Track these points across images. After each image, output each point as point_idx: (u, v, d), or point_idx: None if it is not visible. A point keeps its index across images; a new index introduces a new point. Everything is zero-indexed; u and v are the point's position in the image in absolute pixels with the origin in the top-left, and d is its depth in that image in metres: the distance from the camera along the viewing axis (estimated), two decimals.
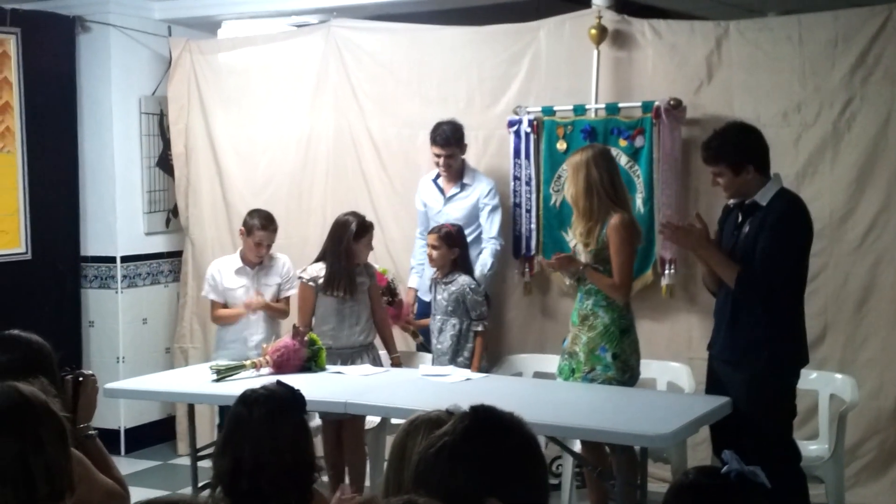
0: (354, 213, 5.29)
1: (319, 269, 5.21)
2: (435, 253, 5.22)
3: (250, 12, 6.76)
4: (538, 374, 5.22)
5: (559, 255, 4.69)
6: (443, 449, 1.95)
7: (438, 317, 5.26)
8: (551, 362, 4.99)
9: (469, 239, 5.60)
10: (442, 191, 5.75)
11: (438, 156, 5.62)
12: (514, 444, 1.97)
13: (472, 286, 5.22)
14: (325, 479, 5.07)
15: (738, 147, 4.16)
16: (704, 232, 4.22)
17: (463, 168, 5.72)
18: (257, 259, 5.58)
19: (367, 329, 5.30)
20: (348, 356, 5.18)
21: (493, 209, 5.66)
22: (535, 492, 1.97)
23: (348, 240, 5.16)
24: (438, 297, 5.28)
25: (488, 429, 1.99)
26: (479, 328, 5.23)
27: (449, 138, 5.57)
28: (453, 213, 5.66)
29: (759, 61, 5.41)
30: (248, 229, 5.54)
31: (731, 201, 4.30)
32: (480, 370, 5.10)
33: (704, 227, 4.24)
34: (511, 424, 2.01)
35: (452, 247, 5.23)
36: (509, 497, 1.92)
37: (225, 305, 5.62)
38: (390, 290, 5.59)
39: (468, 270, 5.31)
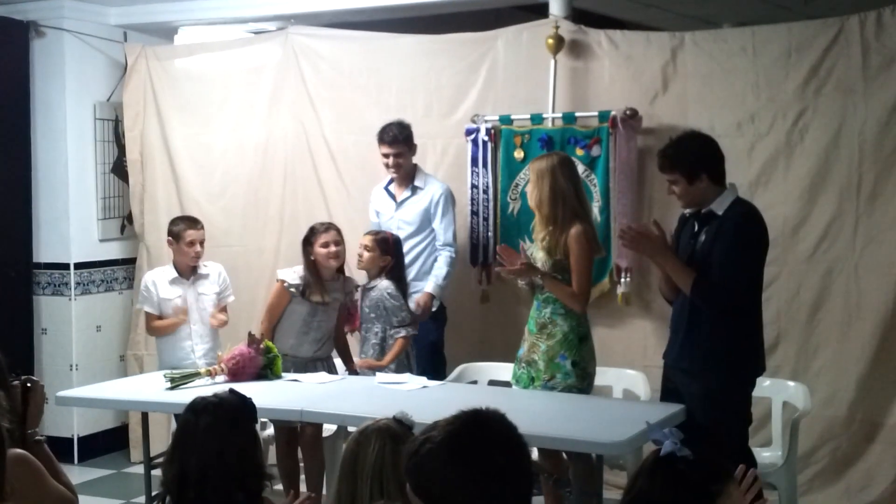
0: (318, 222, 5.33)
1: (299, 276, 5.20)
2: (366, 255, 5.18)
3: (207, 19, 6.73)
4: (493, 383, 5.22)
5: (522, 262, 4.65)
6: (430, 449, 1.96)
7: (364, 325, 5.24)
8: (507, 370, 4.99)
9: (422, 246, 5.57)
10: (393, 196, 5.68)
11: (387, 155, 5.53)
12: (500, 447, 1.98)
13: (390, 291, 5.14)
14: (279, 487, 5.05)
15: (693, 156, 4.19)
16: (662, 238, 4.24)
17: (414, 171, 5.67)
18: (195, 261, 5.53)
19: (329, 343, 5.30)
20: (302, 365, 5.17)
21: (446, 214, 5.58)
22: (519, 495, 1.99)
23: (306, 247, 5.18)
24: (363, 304, 5.25)
25: (477, 431, 1.99)
26: (402, 334, 5.15)
27: (397, 136, 5.50)
28: (405, 217, 5.59)
29: (714, 72, 5.47)
30: (176, 235, 5.51)
31: (687, 210, 4.33)
32: (400, 370, 5.08)
33: (662, 234, 4.26)
34: (500, 429, 2.02)
35: (385, 254, 5.19)
36: (493, 499, 1.93)
37: (160, 317, 5.58)
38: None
39: (399, 281, 5.24)
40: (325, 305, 5.20)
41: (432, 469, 1.94)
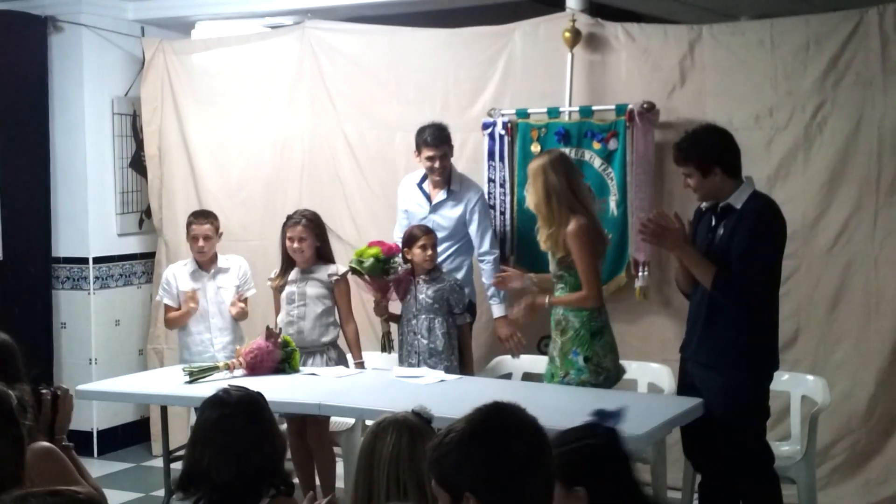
0: None
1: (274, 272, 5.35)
2: (434, 253, 5.18)
3: (224, 13, 6.74)
4: (528, 376, 5.22)
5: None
6: (453, 439, 2.00)
7: (423, 316, 5.17)
8: (540, 363, 5.00)
9: (454, 249, 5.53)
10: (428, 197, 5.55)
11: (432, 158, 5.36)
12: (521, 444, 2.01)
13: (459, 282, 5.28)
14: (295, 480, 5.07)
15: (707, 148, 4.18)
16: (682, 231, 4.24)
17: (451, 171, 5.52)
18: (200, 256, 5.57)
19: (320, 329, 5.26)
20: (301, 356, 5.17)
21: (482, 221, 5.46)
22: (542, 484, 2.01)
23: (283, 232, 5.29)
24: (420, 296, 5.18)
25: (498, 421, 2.03)
26: (468, 319, 5.28)
27: (438, 136, 5.36)
28: (441, 221, 5.47)
29: (732, 65, 5.44)
30: (186, 229, 5.61)
31: (704, 204, 4.32)
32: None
33: (682, 226, 4.26)
34: (520, 421, 2.05)
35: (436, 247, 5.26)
36: (510, 495, 1.96)
37: (178, 309, 5.60)
38: (389, 261, 5.30)
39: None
40: (301, 288, 5.22)
41: (455, 459, 1.97)
